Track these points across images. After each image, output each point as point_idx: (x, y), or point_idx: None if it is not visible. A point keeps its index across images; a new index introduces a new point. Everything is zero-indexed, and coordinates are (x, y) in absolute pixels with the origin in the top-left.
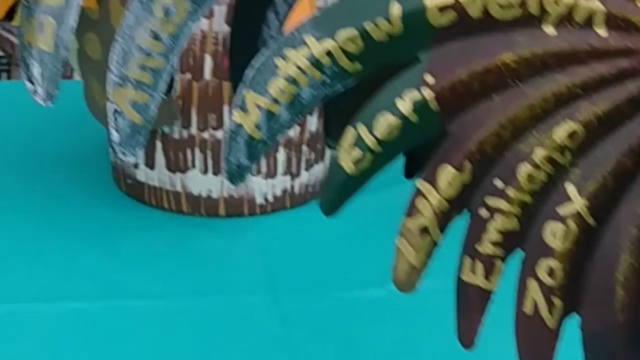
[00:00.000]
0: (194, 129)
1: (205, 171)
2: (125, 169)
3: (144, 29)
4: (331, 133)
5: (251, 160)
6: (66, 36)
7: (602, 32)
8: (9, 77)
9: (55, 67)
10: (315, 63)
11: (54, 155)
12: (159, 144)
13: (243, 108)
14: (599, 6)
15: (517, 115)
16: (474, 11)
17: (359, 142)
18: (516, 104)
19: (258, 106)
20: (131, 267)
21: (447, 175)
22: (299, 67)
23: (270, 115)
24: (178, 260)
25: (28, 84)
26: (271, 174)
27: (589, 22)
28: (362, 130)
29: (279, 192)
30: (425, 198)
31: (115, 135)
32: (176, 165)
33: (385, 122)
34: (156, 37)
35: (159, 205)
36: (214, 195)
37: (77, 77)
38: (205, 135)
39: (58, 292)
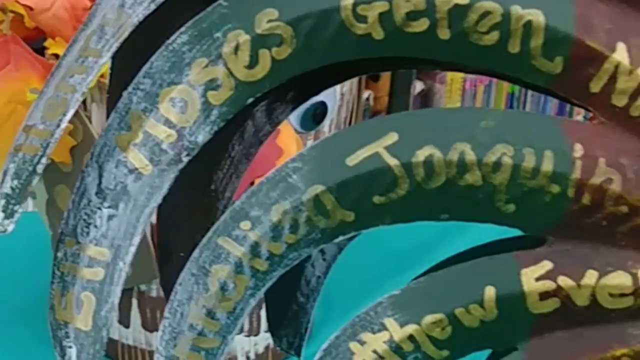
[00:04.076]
0: None
1: None
2: None
3: (197, 306)
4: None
5: None
6: (108, 315)
7: None
8: None
9: (94, 349)
10: (396, 349)
11: (12, 306)
12: (134, 302)
13: None
14: None
15: None
16: (580, 300)
17: None
18: None
19: None
20: None
21: None
22: (376, 353)
23: None
24: None
25: None
26: (254, 331)
27: None
28: None
29: (261, 350)
30: None
31: None
32: (152, 324)
33: None
34: (211, 314)
35: None
36: None
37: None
38: None
39: None
